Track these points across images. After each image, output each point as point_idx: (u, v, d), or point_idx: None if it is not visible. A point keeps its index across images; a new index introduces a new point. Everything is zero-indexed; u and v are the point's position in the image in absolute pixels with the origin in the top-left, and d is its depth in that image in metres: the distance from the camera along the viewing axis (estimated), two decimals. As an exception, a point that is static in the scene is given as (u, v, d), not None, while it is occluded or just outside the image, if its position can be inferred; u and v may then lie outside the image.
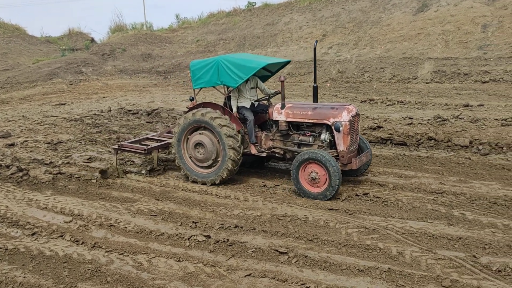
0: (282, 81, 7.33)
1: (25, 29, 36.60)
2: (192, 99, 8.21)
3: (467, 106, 12.32)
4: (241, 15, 31.86)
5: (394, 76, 17.68)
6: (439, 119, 10.87)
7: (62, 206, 6.92)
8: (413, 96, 14.55)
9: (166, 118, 13.67)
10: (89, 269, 5.02)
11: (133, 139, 9.34)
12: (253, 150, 7.66)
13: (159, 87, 22.33)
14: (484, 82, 15.17)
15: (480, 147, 8.93)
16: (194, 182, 7.82)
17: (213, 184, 7.63)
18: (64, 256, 5.33)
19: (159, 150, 8.73)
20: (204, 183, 7.71)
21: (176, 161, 7.97)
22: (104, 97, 19.52)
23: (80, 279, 4.85)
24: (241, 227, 5.87)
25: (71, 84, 23.48)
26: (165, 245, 5.54)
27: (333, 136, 7.07)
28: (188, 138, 7.86)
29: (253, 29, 28.21)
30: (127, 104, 16.77)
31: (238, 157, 7.43)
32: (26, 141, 10.87)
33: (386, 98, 14.39)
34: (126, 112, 14.73)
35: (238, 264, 4.97)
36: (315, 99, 7.85)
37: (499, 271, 4.46)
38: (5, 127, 12.93)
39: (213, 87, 7.89)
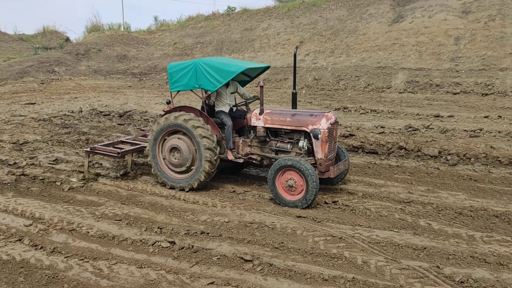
0: (261, 87, 7.24)
1: (-3, 25, 35.64)
2: (168, 102, 8.00)
3: (438, 116, 12.52)
4: (219, 19, 31.78)
5: (368, 84, 17.87)
6: (410, 129, 11.00)
7: (23, 209, 6.67)
8: (386, 105, 14.72)
9: (139, 120, 13.44)
10: (46, 275, 4.82)
11: (107, 142, 9.03)
12: (230, 156, 7.51)
13: (133, 89, 22.02)
14: (455, 94, 15.48)
15: (449, 157, 9.06)
16: (163, 184, 7.66)
17: (182, 190, 7.48)
18: (21, 261, 5.12)
19: (133, 154, 8.51)
20: (172, 188, 7.55)
21: (148, 159, 7.77)
22: (76, 97, 19.10)
23: (36, 285, 4.65)
24: (207, 233, 5.75)
25: (42, 84, 22.91)
26: (128, 251, 5.38)
27: (311, 144, 7.01)
28: (165, 140, 7.66)
29: (231, 34, 28.16)
30: (99, 105, 16.45)
31: (213, 170, 7.30)
32: (-10, 140, 10.50)
33: (360, 106, 14.52)
34: (97, 113, 14.44)
35: (201, 272, 4.86)
36: (294, 105, 7.77)
37: (461, 282, 4.48)
38: (-31, 125, 12.48)
39: (191, 90, 7.74)
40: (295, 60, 7.62)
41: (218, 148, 7.32)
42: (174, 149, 7.49)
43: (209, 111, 7.74)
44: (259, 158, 7.52)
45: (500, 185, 7.62)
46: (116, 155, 8.01)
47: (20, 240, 5.67)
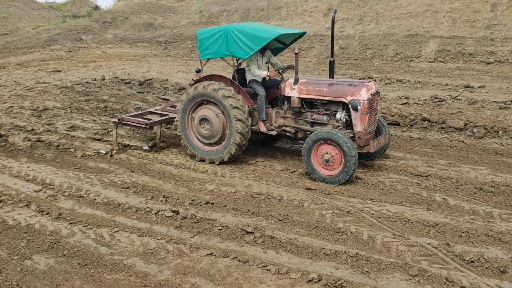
0: (296, 54, 6.73)
1: (28, -7, 35.93)
2: (198, 71, 7.57)
3: (468, 87, 11.89)
4: (247, -14, 31.04)
5: (397, 54, 17.16)
6: (436, 100, 10.50)
7: (34, 175, 6.73)
8: (414, 75, 14.10)
9: (158, 89, 13.36)
10: (48, 241, 4.84)
11: (135, 112, 8.74)
12: (262, 128, 7.10)
13: (158, 57, 21.93)
14: (489, 63, 14.66)
15: (475, 130, 8.59)
16: (202, 160, 7.28)
17: (221, 162, 7.11)
18: (26, 226, 5.16)
19: (162, 125, 8.20)
20: (212, 162, 7.19)
21: (182, 140, 7.47)
22: (101, 65, 19.17)
23: (36, 250, 4.68)
24: (212, 203, 5.64)
25: (69, 51, 23.11)
26: (131, 219, 5.34)
27: (349, 116, 6.54)
28: (193, 113, 7.31)
29: (258, 1, 27.50)
30: (122, 73, 16.44)
31: (246, 130, 6.87)
32: (11, 106, 10.64)
33: (386, 76, 13.96)
34: (119, 81, 14.43)
35: (201, 242, 4.77)
36: (331, 74, 7.22)
37: (472, 261, 4.21)
38: (-6, 92, 12.70)
39: (222, 58, 7.36)
40: (333, 25, 7.03)
41: (250, 119, 6.96)
42: (203, 120, 7.16)
43: (240, 80, 7.36)
44: (293, 131, 7.10)
45: (528, 160, 7.18)
46: (144, 126, 7.74)
47: (27, 205, 5.71)
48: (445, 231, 4.82)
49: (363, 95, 6.34)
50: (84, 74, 16.43)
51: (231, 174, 6.73)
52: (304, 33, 7.84)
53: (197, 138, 7.38)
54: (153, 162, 7.34)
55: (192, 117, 7.35)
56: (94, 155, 7.66)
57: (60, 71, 17.41)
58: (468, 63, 15.14)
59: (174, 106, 8.68)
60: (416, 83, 12.98)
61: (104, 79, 14.91)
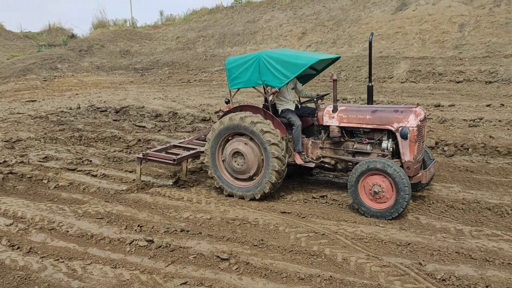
0: (335, 80, 6.33)
1: (2, 23, 35.76)
2: (227, 102, 7.25)
3: (438, 106, 12.22)
4: (223, 12, 31.47)
5: (370, 75, 17.54)
6: (408, 119, 10.72)
7: (6, 208, 6.59)
8: (386, 96, 14.42)
9: (135, 116, 13.32)
10: (18, 277, 4.72)
11: (159, 147, 8.11)
12: (298, 160, 6.67)
13: (135, 84, 21.92)
14: (458, 82, 15.11)
15: (446, 148, 8.79)
16: (230, 196, 6.84)
17: (252, 199, 6.67)
18: (-5, 262, 5.03)
19: (188, 160, 7.77)
20: (242, 198, 6.73)
21: (209, 172, 6.99)
22: (77, 94, 19.04)
23: (6, 287, 4.56)
24: (187, 231, 5.61)
25: (45, 81, 22.91)
26: (105, 251, 5.27)
27: (396, 144, 6.16)
28: (224, 146, 6.89)
29: (234, 27, 27.90)
30: (98, 101, 16.36)
31: (283, 168, 6.46)
32: (-17, 139, 10.46)
33: (360, 97, 14.25)
34: (94, 109, 14.35)
35: (176, 271, 4.72)
36: (370, 100, 6.81)
37: (443, 279, 4.28)
38: (-34, 124, 12.48)
39: (254, 87, 6.97)
40: (371, 48, 6.64)
41: (284, 143, 6.53)
42: (236, 154, 6.69)
43: (272, 110, 6.90)
44: (332, 162, 6.64)
45: (497, 176, 7.37)
46: (172, 162, 7.24)
47: (-2, 240, 5.58)
48: (417, 250, 4.89)
49: (411, 122, 5.93)
50: (60, 103, 16.30)
51: (207, 200, 6.73)
52: (339, 57, 7.55)
53: (230, 175, 6.92)
54: (129, 190, 7.28)
55: (223, 153, 6.91)
56: (68, 185, 7.56)
57: (35, 101, 17.22)
58: (438, 82, 15.57)
59: (199, 139, 8.37)
60: (388, 103, 13.24)
61: (79, 107, 14.82)
